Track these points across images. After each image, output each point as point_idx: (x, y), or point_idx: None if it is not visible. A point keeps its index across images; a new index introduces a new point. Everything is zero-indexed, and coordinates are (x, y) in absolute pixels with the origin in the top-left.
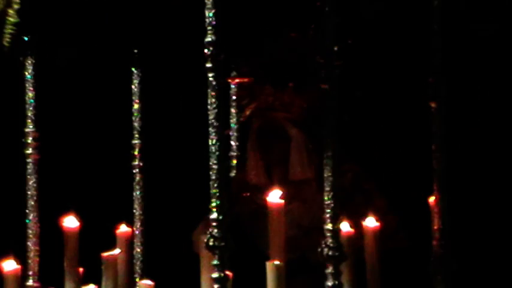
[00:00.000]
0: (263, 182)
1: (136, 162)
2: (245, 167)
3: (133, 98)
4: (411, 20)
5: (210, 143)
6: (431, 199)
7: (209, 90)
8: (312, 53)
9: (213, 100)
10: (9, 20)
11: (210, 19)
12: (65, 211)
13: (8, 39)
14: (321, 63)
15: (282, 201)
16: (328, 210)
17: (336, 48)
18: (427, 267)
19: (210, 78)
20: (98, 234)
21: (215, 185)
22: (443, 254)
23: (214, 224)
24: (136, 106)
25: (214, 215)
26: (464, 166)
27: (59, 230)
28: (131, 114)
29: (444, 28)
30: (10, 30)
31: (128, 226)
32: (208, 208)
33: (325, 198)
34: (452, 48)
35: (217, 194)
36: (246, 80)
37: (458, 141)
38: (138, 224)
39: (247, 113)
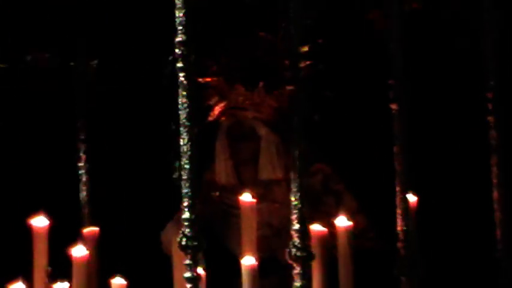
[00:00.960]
0: (232, 182)
1: (82, 164)
2: (214, 166)
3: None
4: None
5: (181, 143)
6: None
7: (180, 90)
8: (282, 53)
9: (184, 100)
10: None
11: (181, 19)
12: (33, 210)
13: None
14: (286, 64)
15: (254, 200)
16: (295, 211)
17: (302, 49)
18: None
19: (181, 78)
20: (63, 234)
21: (187, 184)
22: (407, 256)
23: (186, 223)
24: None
25: (186, 215)
26: (426, 167)
27: (27, 229)
28: None
29: (405, 31)
30: None
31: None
32: (174, 208)
33: (292, 198)
34: (413, 50)
35: (189, 193)
36: (215, 79)
37: (420, 142)
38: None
39: (216, 112)
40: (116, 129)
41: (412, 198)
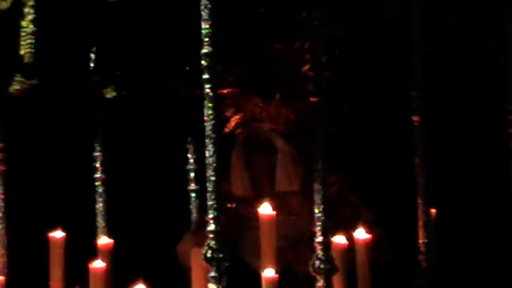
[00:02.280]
0: (248, 194)
1: (99, 175)
2: (230, 178)
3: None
4: (395, 34)
5: (207, 155)
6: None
7: (206, 102)
8: (299, 64)
9: (210, 111)
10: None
11: (207, 30)
12: (50, 224)
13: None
14: (310, 76)
15: (274, 212)
16: (319, 223)
17: (324, 60)
18: (412, 281)
19: (207, 90)
20: (77, 246)
21: (212, 196)
22: (427, 268)
23: (211, 235)
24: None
25: (211, 227)
26: (448, 180)
27: (44, 241)
28: None
29: (426, 43)
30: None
31: (109, 237)
32: (189, 219)
33: (316, 211)
34: (434, 63)
35: (215, 205)
36: (231, 90)
37: (442, 155)
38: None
39: (233, 123)
40: (132, 141)
41: (431, 210)
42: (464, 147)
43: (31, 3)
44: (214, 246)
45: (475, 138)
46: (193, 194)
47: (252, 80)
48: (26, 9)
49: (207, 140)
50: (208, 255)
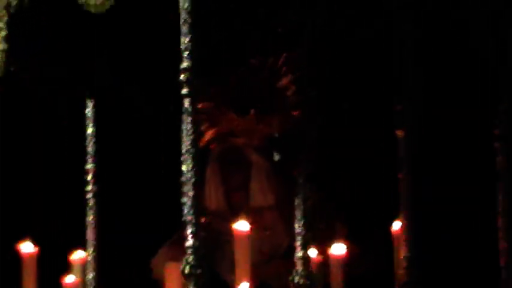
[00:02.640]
0: (222, 208)
1: (90, 187)
2: (204, 192)
3: (87, 122)
4: (379, 49)
5: (184, 170)
6: (396, 226)
7: (184, 116)
8: (274, 79)
9: (189, 126)
10: None
11: (186, 45)
12: (21, 237)
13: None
14: (292, 90)
15: (248, 228)
16: (299, 238)
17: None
18: None
19: (186, 104)
20: (51, 260)
21: (190, 211)
22: (409, 282)
23: (189, 250)
24: (90, 131)
25: (190, 242)
26: (431, 194)
27: (16, 255)
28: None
29: (412, 58)
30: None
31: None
32: (164, 234)
33: (296, 226)
34: (420, 75)
35: (193, 220)
36: (206, 105)
37: (424, 169)
38: (91, 250)
39: (207, 138)
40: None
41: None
42: (448, 160)
43: (5, 19)
44: (192, 262)
45: (460, 151)
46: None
47: (227, 94)
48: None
49: (185, 155)
50: (187, 271)
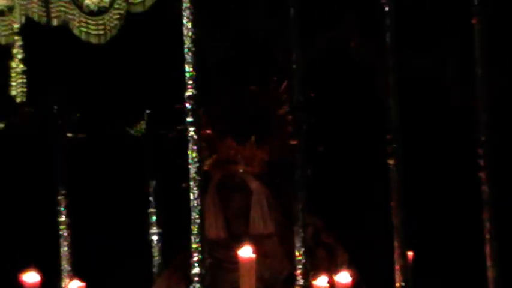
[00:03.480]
0: (222, 236)
1: (63, 218)
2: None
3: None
4: (367, 77)
5: (191, 197)
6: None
7: (190, 145)
8: (274, 106)
9: (194, 154)
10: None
11: (191, 73)
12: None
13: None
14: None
15: (254, 255)
16: (300, 266)
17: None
18: None
19: (191, 133)
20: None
21: (197, 239)
22: None
23: (196, 278)
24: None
25: (196, 270)
26: (424, 222)
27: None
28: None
29: (401, 85)
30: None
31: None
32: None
33: (296, 253)
34: (410, 105)
35: (199, 248)
36: (205, 132)
37: (417, 196)
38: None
39: (207, 165)
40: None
41: (408, 253)
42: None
43: (19, 43)
44: None
45: (446, 179)
46: (155, 237)
47: (227, 121)
48: (15, 50)
49: (191, 183)
50: None
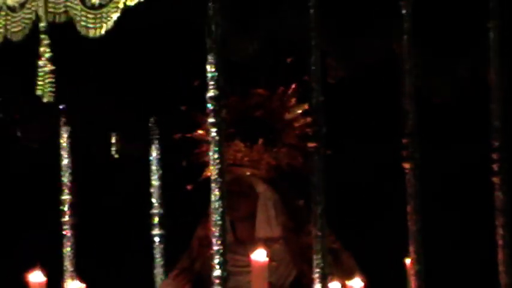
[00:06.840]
0: (228, 239)
1: (67, 218)
2: (208, 223)
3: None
4: (384, 82)
5: (212, 199)
6: (408, 260)
7: (212, 146)
8: (282, 110)
9: (216, 155)
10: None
11: (212, 74)
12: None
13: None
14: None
15: (267, 259)
16: (318, 270)
17: (303, 107)
18: None
19: (213, 134)
20: None
21: (219, 242)
22: None
23: (217, 281)
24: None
25: (217, 272)
26: (439, 227)
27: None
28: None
29: (416, 90)
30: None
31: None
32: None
33: (315, 257)
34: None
35: (221, 251)
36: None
37: (433, 202)
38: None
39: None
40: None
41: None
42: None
43: (46, 41)
44: None
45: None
46: (157, 239)
47: (234, 125)
48: (42, 48)
49: (213, 185)
50: None
